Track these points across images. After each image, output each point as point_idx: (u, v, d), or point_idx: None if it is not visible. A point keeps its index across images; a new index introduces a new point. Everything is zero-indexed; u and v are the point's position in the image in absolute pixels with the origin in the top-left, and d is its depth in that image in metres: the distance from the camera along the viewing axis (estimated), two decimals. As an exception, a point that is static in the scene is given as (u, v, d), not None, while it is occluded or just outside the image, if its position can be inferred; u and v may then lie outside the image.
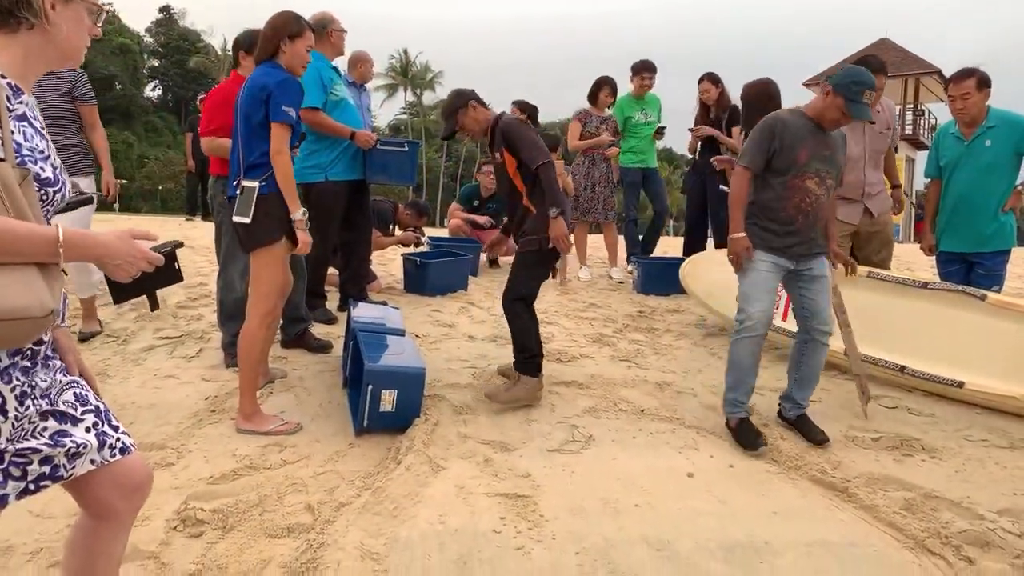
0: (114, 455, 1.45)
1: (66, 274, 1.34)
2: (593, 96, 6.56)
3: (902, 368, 3.74)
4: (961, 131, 4.07)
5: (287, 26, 3.02)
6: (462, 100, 3.48)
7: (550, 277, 3.73)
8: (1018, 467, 2.92)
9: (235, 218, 2.98)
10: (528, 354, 3.38)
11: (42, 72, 1.41)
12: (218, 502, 2.41)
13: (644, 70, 6.55)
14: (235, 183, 3.05)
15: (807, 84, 21.60)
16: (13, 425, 1.29)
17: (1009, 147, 3.90)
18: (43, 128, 1.37)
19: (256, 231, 2.98)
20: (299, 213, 3.00)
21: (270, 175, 2.96)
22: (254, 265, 3.06)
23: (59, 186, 1.34)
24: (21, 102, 1.32)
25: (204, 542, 2.19)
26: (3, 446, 1.28)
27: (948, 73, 4.18)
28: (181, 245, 1.50)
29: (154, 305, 1.57)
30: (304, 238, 3.03)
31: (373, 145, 4.52)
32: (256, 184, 2.95)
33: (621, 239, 7.34)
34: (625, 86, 6.69)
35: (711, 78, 6.02)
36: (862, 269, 4.30)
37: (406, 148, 4.77)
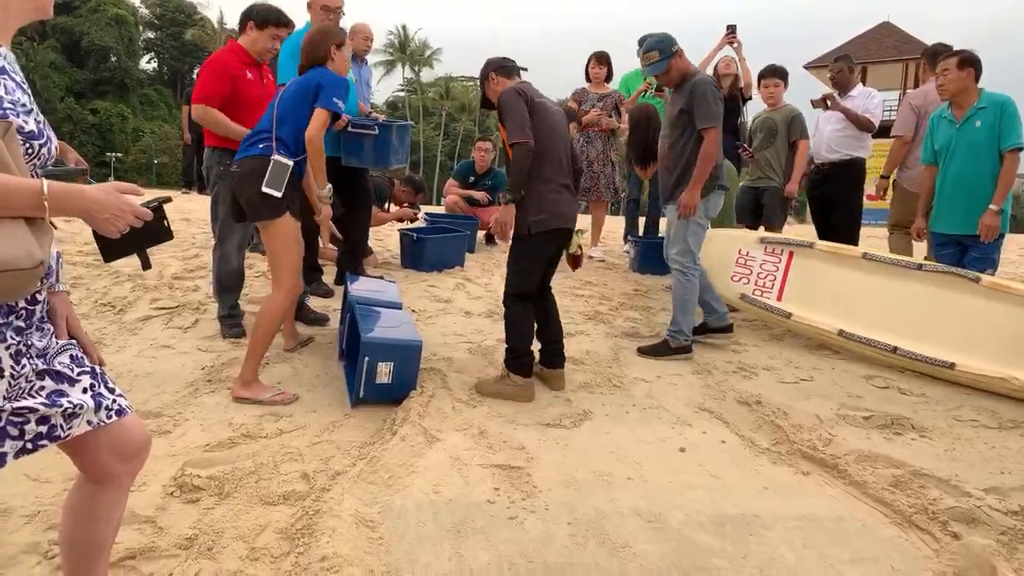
0: (110, 416, 1.46)
1: (55, 228, 1.33)
2: (586, 73, 6.52)
3: (895, 349, 3.77)
4: (953, 113, 4.09)
5: (332, 36, 3.24)
6: (484, 72, 3.28)
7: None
8: (1006, 447, 2.96)
9: (265, 188, 3.00)
10: (515, 354, 3.21)
11: (18, 26, 1.38)
12: (215, 469, 2.43)
13: None
14: (261, 143, 3.09)
15: (808, 67, 21.46)
16: (10, 384, 1.30)
17: (995, 127, 3.92)
18: (23, 83, 1.34)
19: (277, 204, 3.03)
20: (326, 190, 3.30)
21: (301, 157, 3.12)
22: (274, 241, 3.11)
23: (44, 140, 1.32)
24: (1, 56, 1.29)
25: (201, 508, 2.21)
26: (0, 404, 1.29)
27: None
28: (169, 200, 1.49)
29: (146, 264, 1.55)
30: (327, 211, 3.41)
31: (344, 127, 4.27)
32: (291, 163, 3.04)
33: (609, 218, 7.30)
34: (634, 62, 6.61)
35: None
36: (857, 250, 4.31)
37: (376, 131, 4.39)
